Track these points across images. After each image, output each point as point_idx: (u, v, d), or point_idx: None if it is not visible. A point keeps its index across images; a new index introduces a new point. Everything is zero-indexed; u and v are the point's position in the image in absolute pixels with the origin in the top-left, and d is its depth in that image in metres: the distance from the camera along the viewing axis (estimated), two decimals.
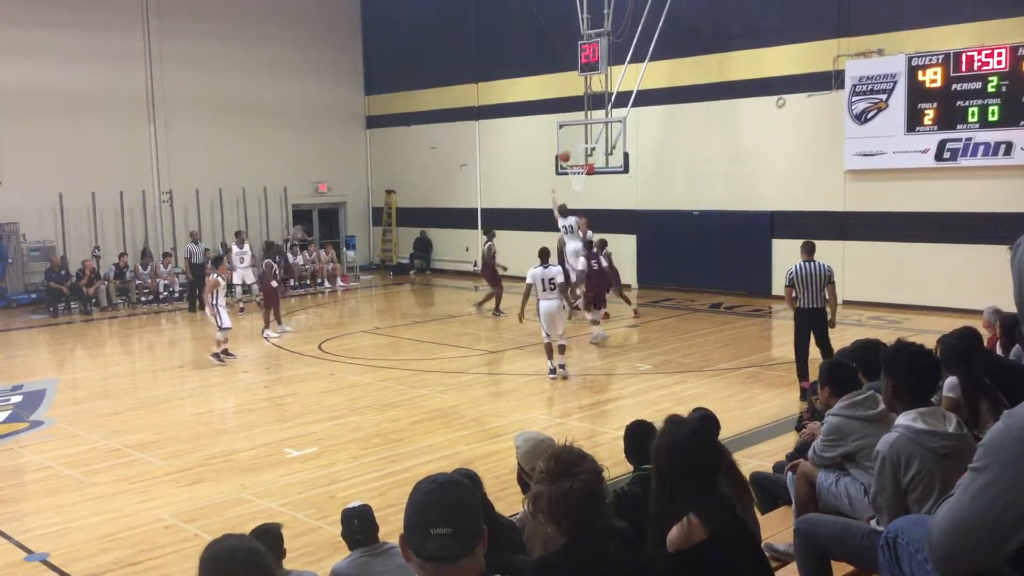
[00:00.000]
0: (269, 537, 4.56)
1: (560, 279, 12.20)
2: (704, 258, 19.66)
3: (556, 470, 2.69)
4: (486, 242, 18.62)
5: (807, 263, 10.58)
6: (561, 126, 19.36)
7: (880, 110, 16.86)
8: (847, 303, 17.65)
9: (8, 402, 11.65)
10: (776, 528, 5.04)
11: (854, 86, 17.10)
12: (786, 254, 18.65)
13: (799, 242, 19.50)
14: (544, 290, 12.05)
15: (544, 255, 12.52)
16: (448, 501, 2.14)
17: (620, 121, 18.48)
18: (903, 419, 3.76)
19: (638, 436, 4.52)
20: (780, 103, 18.39)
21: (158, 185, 22.59)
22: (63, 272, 19.56)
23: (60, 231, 20.82)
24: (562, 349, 12.25)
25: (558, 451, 2.79)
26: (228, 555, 2.88)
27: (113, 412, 11.14)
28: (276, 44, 24.31)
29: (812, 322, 10.55)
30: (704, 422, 3.67)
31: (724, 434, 3.73)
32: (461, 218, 24.64)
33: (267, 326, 15.92)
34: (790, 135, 18.35)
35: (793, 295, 10.49)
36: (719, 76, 19.24)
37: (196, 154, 22.80)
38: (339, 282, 23.51)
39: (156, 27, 22.29)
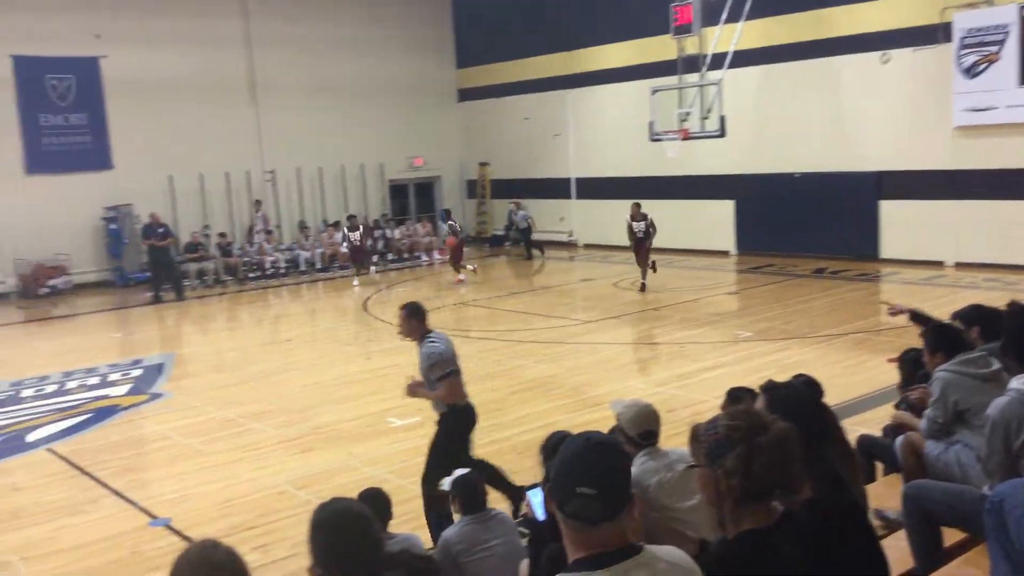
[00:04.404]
0: (377, 500, 4.70)
1: None
2: (806, 222, 19.16)
3: (751, 423, 2.46)
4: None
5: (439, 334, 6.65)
6: (654, 91, 19.08)
7: (991, 63, 16.04)
8: (961, 265, 16.97)
9: (129, 376, 12.28)
10: (885, 494, 4.94)
11: (963, 39, 16.31)
12: (894, 215, 18.06)
13: (908, 203, 18.76)
14: None
15: None
16: (598, 462, 2.11)
17: (715, 84, 18.09)
18: (1015, 383, 3.65)
19: (737, 403, 4.49)
20: (884, 59, 17.67)
21: (262, 165, 23.29)
22: (199, 247, 21.23)
23: (171, 212, 21.71)
24: None
25: (738, 411, 2.56)
26: (337, 518, 3.03)
27: (227, 384, 11.62)
28: (369, 22, 24.64)
29: (473, 424, 6.66)
30: (807, 387, 3.62)
31: (829, 402, 3.66)
32: (555, 188, 24.61)
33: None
34: (895, 92, 17.64)
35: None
36: (818, 33, 18.61)
37: (296, 134, 23.39)
38: (436, 255, 23.84)
39: (254, 10, 22.89)
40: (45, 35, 20.13)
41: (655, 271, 16.79)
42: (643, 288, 16.56)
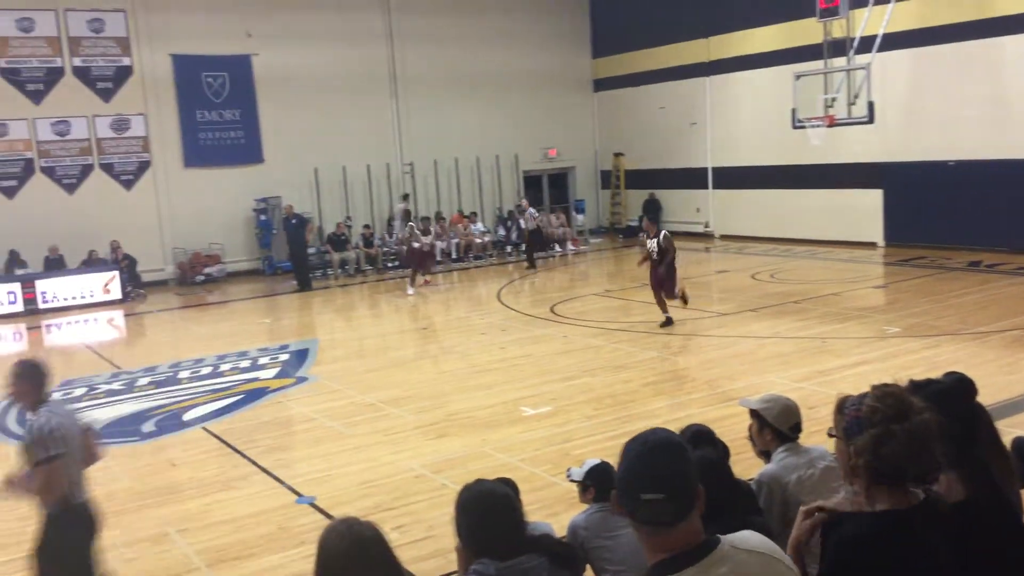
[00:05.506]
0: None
1: None
2: (961, 212, 18.12)
3: (894, 408, 2.43)
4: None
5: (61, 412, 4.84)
6: (798, 77, 18.45)
7: None
8: None
9: (277, 360, 12.87)
10: None
11: None
12: None
13: None
14: None
15: None
16: (658, 465, 2.06)
17: (864, 68, 17.32)
18: None
19: None
20: None
21: (401, 157, 23.89)
22: (343, 237, 22.05)
23: (316, 203, 22.57)
24: None
25: (885, 393, 2.51)
26: (483, 499, 3.16)
27: (367, 370, 12.01)
28: (505, 14, 24.84)
29: (94, 530, 4.90)
30: (959, 384, 3.44)
31: (984, 402, 3.47)
32: (691, 178, 24.18)
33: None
34: None
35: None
36: (977, 13, 17.53)
37: (433, 126, 23.87)
38: (569, 246, 23.87)
39: (396, 5, 23.47)
40: (201, 34, 21.27)
41: (686, 302, 13.29)
42: (668, 322, 13.09)
